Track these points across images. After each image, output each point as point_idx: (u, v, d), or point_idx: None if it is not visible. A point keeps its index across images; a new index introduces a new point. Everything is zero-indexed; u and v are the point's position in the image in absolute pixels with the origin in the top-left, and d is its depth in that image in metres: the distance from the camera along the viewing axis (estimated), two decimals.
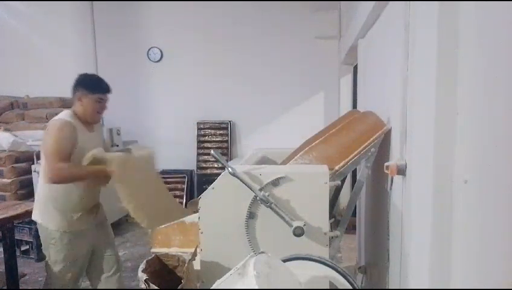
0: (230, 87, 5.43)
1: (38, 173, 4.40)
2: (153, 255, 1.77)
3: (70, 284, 2.19)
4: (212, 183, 1.72)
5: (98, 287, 2.32)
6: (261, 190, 1.60)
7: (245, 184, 1.59)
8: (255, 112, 5.46)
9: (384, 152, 1.91)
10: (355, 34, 3.07)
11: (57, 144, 1.99)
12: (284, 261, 1.37)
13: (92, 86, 2.18)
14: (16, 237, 3.28)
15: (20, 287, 2.84)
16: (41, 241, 2.21)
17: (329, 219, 1.70)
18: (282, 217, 1.57)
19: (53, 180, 2.01)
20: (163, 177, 4.33)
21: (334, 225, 1.97)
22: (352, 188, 2.14)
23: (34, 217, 2.21)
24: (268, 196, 1.59)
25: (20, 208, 2.76)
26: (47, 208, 2.15)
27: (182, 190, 5.29)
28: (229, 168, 1.61)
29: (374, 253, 2.36)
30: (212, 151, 1.69)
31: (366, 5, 2.44)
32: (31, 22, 5.63)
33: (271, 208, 1.58)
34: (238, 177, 1.60)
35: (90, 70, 5.51)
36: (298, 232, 1.54)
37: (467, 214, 1.06)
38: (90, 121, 2.20)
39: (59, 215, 2.12)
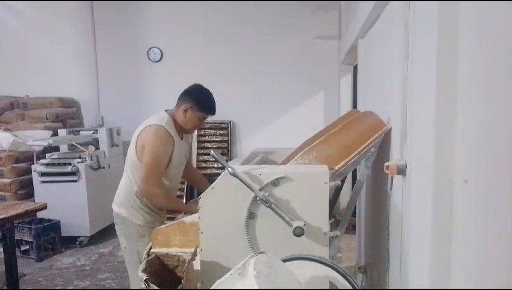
0: (230, 87, 5.42)
1: (39, 173, 4.41)
2: (153, 255, 1.76)
3: None
4: (212, 183, 1.71)
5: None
6: (261, 190, 1.60)
7: (245, 184, 1.59)
8: (255, 112, 5.45)
9: (384, 152, 1.91)
10: (355, 34, 3.07)
11: (157, 159, 2.12)
12: (284, 261, 1.37)
13: (202, 104, 2.27)
14: (16, 237, 3.28)
15: (20, 287, 2.84)
16: (125, 236, 2.25)
17: (329, 219, 1.70)
18: (282, 217, 1.57)
19: (145, 197, 2.16)
20: None
21: (334, 225, 1.97)
22: (352, 188, 2.14)
23: (120, 213, 2.24)
24: (268, 196, 1.59)
25: (20, 208, 2.76)
26: (134, 204, 2.21)
27: (182, 189, 5.27)
28: (229, 168, 1.61)
29: (374, 253, 2.36)
30: (212, 152, 1.68)
31: (366, 5, 2.44)
32: (31, 22, 5.62)
33: (271, 208, 1.58)
34: (238, 177, 1.59)
35: (90, 71, 5.62)
36: (298, 232, 1.54)
37: (467, 214, 1.06)
38: (186, 132, 2.34)
39: (146, 211, 2.22)
